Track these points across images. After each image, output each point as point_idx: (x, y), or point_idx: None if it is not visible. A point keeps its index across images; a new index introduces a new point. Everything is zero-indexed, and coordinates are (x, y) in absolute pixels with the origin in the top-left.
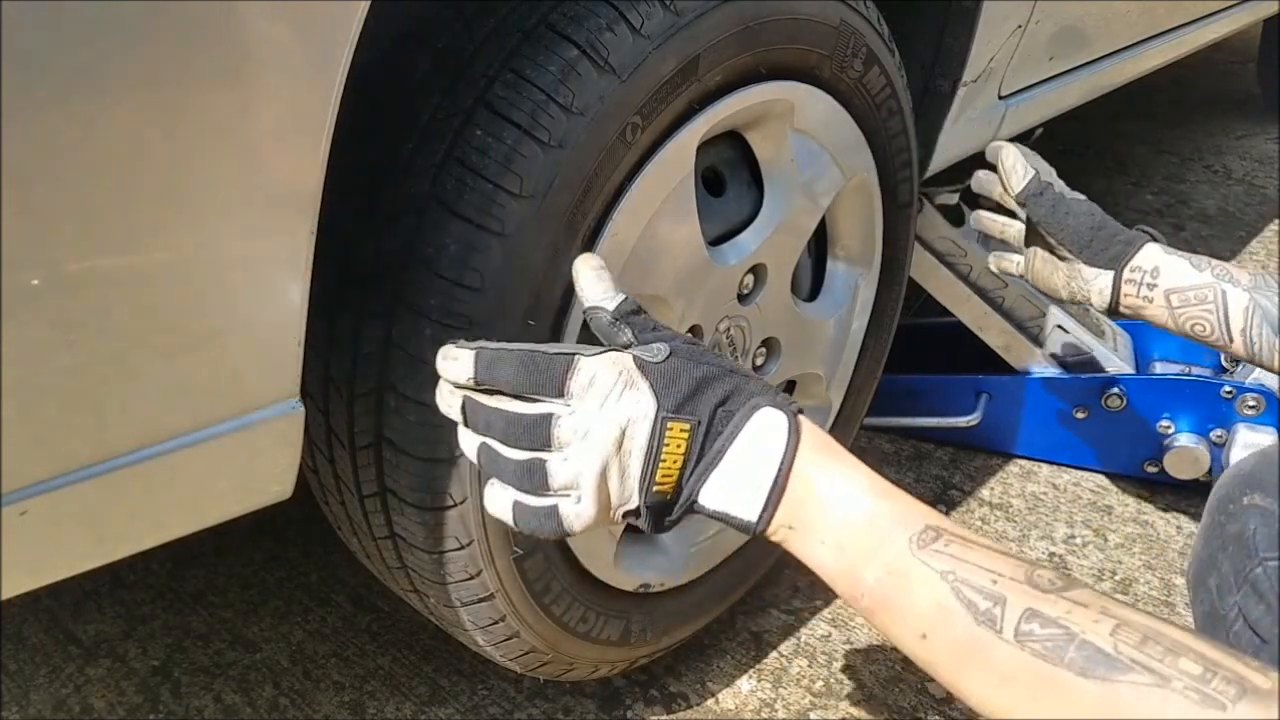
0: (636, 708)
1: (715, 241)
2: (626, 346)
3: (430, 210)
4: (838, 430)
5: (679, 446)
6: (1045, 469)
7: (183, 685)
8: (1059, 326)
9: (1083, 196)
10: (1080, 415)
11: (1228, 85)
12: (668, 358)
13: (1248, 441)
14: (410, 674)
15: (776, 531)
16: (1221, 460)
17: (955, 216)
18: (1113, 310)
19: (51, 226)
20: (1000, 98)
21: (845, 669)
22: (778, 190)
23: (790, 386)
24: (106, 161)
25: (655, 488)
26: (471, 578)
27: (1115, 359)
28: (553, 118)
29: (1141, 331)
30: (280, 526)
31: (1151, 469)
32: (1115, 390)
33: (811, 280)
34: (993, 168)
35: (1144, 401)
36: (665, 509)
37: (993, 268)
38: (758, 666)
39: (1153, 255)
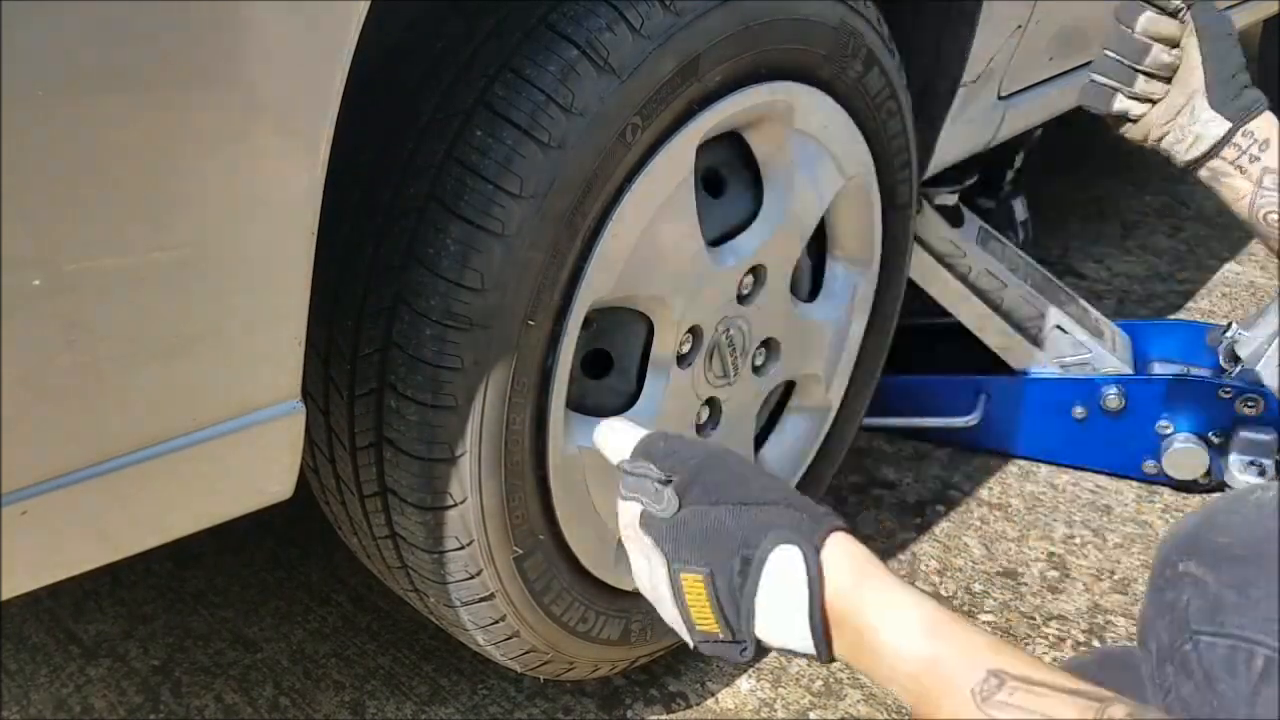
0: (636, 707)
1: (715, 242)
2: (660, 485)
3: (430, 210)
4: (837, 430)
5: (700, 595)
6: (1044, 469)
7: (183, 685)
8: (1058, 327)
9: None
10: (1079, 415)
11: None
12: (677, 511)
13: (1246, 441)
14: (410, 673)
15: (858, 669)
16: (1220, 461)
17: (954, 217)
18: (1195, 164)
19: (52, 226)
20: (1000, 98)
21: (844, 669)
22: (777, 191)
23: (790, 387)
24: (107, 161)
25: (699, 627)
26: (472, 577)
27: (1114, 359)
28: (552, 118)
29: (1140, 332)
30: (280, 526)
31: (1150, 469)
32: (1114, 390)
33: (811, 281)
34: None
35: (1143, 402)
36: (733, 644)
37: (1143, 29)
38: (757, 666)
39: (1268, 126)
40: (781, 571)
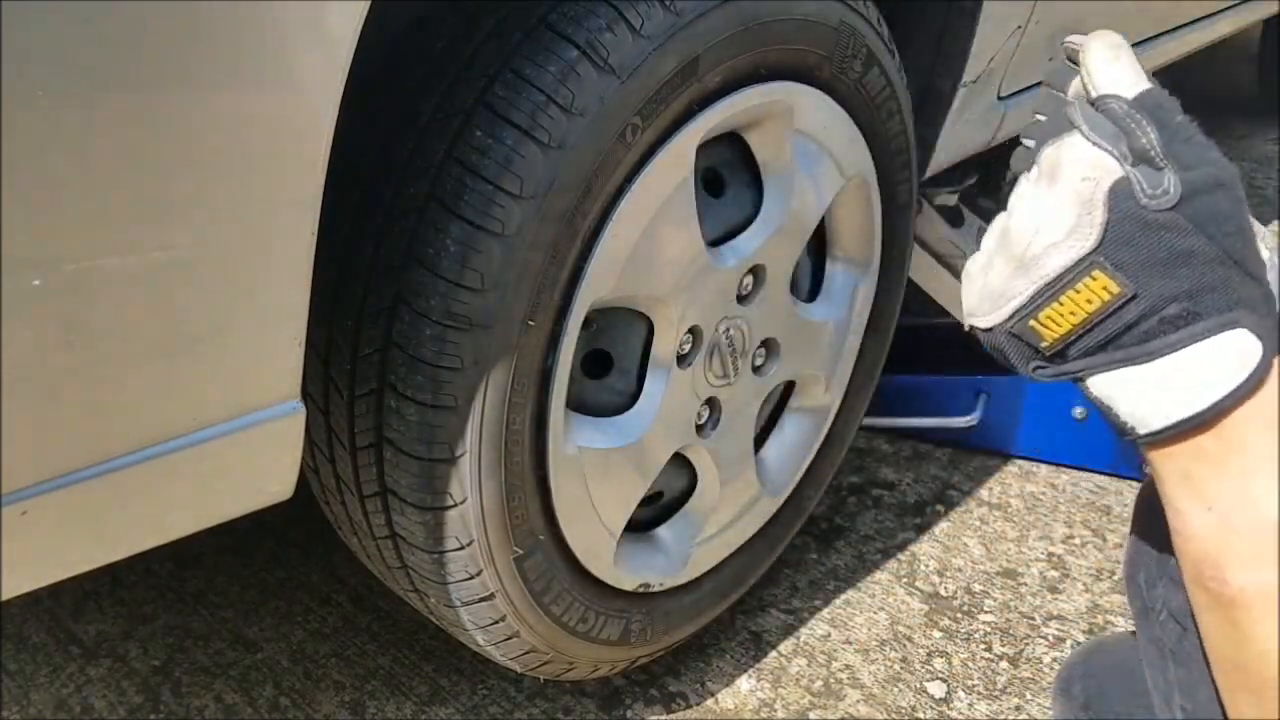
0: (636, 707)
1: (715, 242)
2: (1137, 156)
3: (430, 210)
4: (837, 430)
5: (1090, 301)
6: (1044, 469)
7: (183, 685)
8: None
9: None
10: (1079, 415)
11: (1228, 85)
12: (1171, 207)
13: None
14: (410, 674)
15: (1164, 459)
16: None
17: (954, 217)
18: None
19: (52, 226)
20: (1000, 98)
21: (844, 669)
22: (777, 191)
23: (790, 387)
24: (107, 162)
25: (1031, 321)
26: (471, 577)
27: None
28: (552, 118)
29: None
30: (280, 526)
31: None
32: None
33: (811, 281)
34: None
35: None
36: (1034, 354)
37: None
38: (757, 666)
39: None
40: (1215, 354)
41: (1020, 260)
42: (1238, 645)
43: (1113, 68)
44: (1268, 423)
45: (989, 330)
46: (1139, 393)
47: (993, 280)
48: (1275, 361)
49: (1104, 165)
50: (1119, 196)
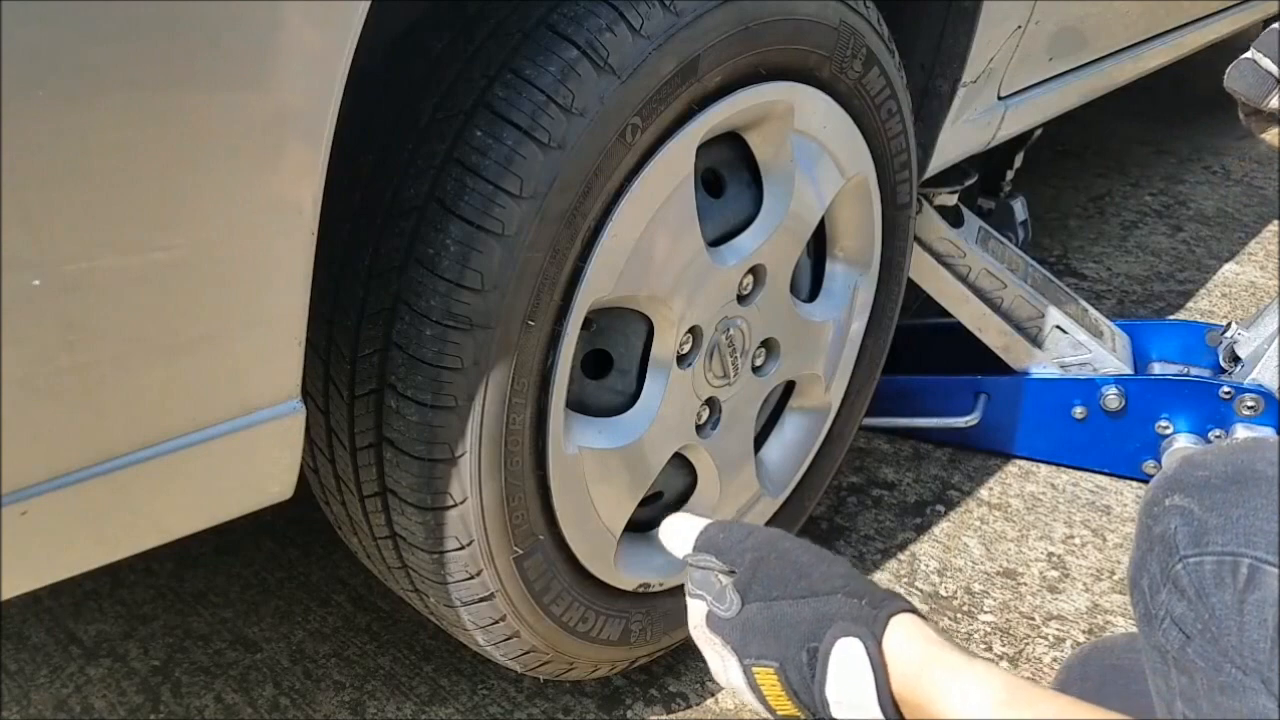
0: (636, 707)
1: (715, 242)
2: (726, 574)
3: (430, 211)
4: (837, 430)
5: (774, 686)
6: (1044, 469)
7: (183, 685)
8: (1058, 327)
9: None
10: (1079, 415)
11: None
12: (740, 609)
13: None
14: (410, 674)
15: None
16: None
17: (954, 217)
18: None
19: (52, 226)
20: (1000, 98)
21: None
22: (777, 191)
23: (790, 387)
24: (107, 162)
25: (781, 713)
26: (472, 577)
27: (1114, 359)
28: (552, 118)
29: (1140, 332)
30: (280, 526)
31: (1150, 469)
32: (1114, 390)
33: (811, 281)
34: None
35: (1142, 402)
36: None
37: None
38: None
39: None
40: (846, 663)
41: (735, 690)
42: None
43: (677, 536)
44: (918, 684)
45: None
46: (859, 717)
47: (751, 706)
48: (893, 631)
49: (698, 609)
50: (714, 624)
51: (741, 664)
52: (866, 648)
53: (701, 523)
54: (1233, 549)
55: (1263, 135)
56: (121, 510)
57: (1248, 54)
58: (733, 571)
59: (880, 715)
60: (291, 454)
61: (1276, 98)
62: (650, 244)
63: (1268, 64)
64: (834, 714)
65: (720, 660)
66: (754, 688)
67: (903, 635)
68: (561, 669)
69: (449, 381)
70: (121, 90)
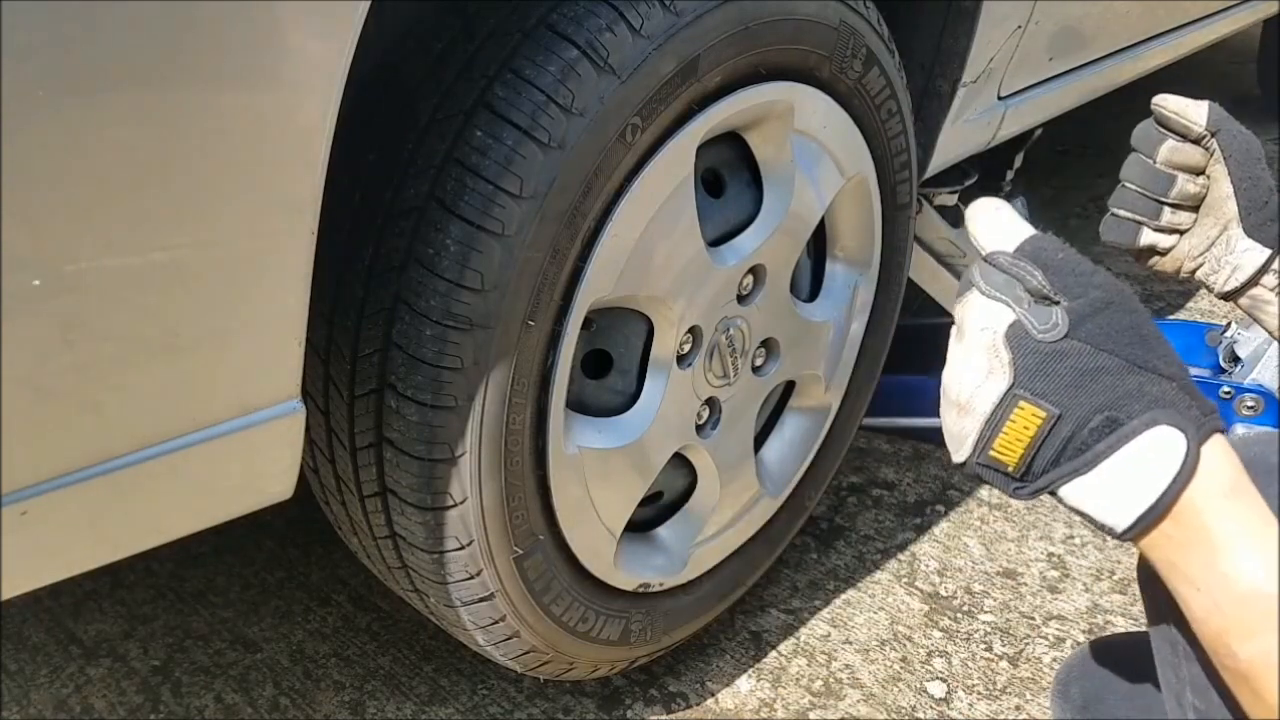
0: (636, 707)
1: (715, 242)
2: (1034, 295)
3: (430, 211)
4: (837, 430)
5: (1026, 428)
6: None
7: (183, 685)
8: None
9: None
10: None
11: (1228, 85)
12: (1064, 336)
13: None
14: (410, 674)
15: (1149, 550)
16: None
17: (954, 217)
18: (1234, 294)
19: (52, 226)
20: (1000, 98)
21: (844, 668)
22: (777, 191)
23: (790, 387)
24: (107, 162)
25: (991, 453)
26: (471, 577)
27: None
28: (552, 118)
29: None
30: (280, 526)
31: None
32: None
33: (811, 281)
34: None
35: None
36: (1010, 478)
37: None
38: (757, 666)
39: None
40: (1146, 451)
41: (961, 406)
42: (1267, 712)
43: (994, 226)
44: (1217, 503)
45: (964, 464)
46: (1099, 498)
47: (950, 425)
48: (1210, 446)
49: (996, 313)
50: (1016, 337)
51: (1011, 390)
52: (1188, 449)
53: (1027, 227)
54: None
55: (1159, 269)
56: (121, 510)
57: (1110, 211)
58: (1052, 299)
59: (1140, 508)
60: (291, 454)
61: (1143, 235)
62: (650, 244)
63: (1124, 213)
64: (1064, 491)
65: (983, 374)
66: (997, 417)
67: (1220, 454)
68: (561, 669)
69: (449, 381)
70: (121, 90)
